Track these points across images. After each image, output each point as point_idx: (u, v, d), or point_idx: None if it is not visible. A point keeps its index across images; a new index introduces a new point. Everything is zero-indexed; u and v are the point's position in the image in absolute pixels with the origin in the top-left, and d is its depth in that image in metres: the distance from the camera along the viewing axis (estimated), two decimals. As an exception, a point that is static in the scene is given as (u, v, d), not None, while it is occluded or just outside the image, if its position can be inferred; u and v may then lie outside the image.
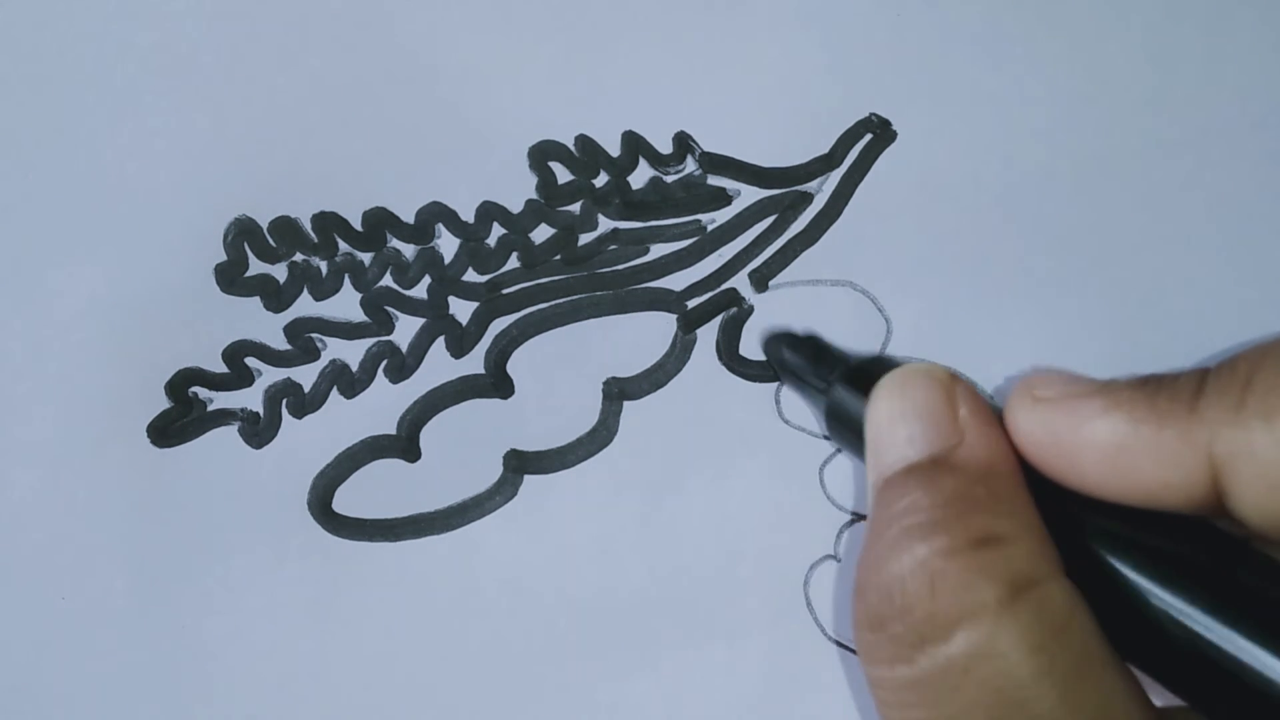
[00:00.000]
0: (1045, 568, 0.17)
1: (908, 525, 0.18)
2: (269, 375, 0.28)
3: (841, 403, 0.23)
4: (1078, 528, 0.18)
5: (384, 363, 0.29)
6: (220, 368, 0.28)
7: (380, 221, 0.28)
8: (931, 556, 0.17)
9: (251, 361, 0.28)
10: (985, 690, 0.16)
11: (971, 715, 0.16)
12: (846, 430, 0.23)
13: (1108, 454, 0.17)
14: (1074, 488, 0.18)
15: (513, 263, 0.29)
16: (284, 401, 0.28)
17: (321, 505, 0.28)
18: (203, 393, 0.28)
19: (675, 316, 0.29)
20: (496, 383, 0.29)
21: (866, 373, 0.22)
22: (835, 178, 0.30)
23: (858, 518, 0.29)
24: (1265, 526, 0.17)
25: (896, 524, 0.18)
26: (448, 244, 0.29)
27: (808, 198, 0.30)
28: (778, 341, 0.27)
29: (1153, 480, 0.17)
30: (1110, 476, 0.17)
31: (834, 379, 0.24)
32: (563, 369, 0.29)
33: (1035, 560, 0.17)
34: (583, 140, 0.29)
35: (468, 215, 0.29)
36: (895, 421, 0.20)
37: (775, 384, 0.29)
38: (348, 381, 0.28)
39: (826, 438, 0.28)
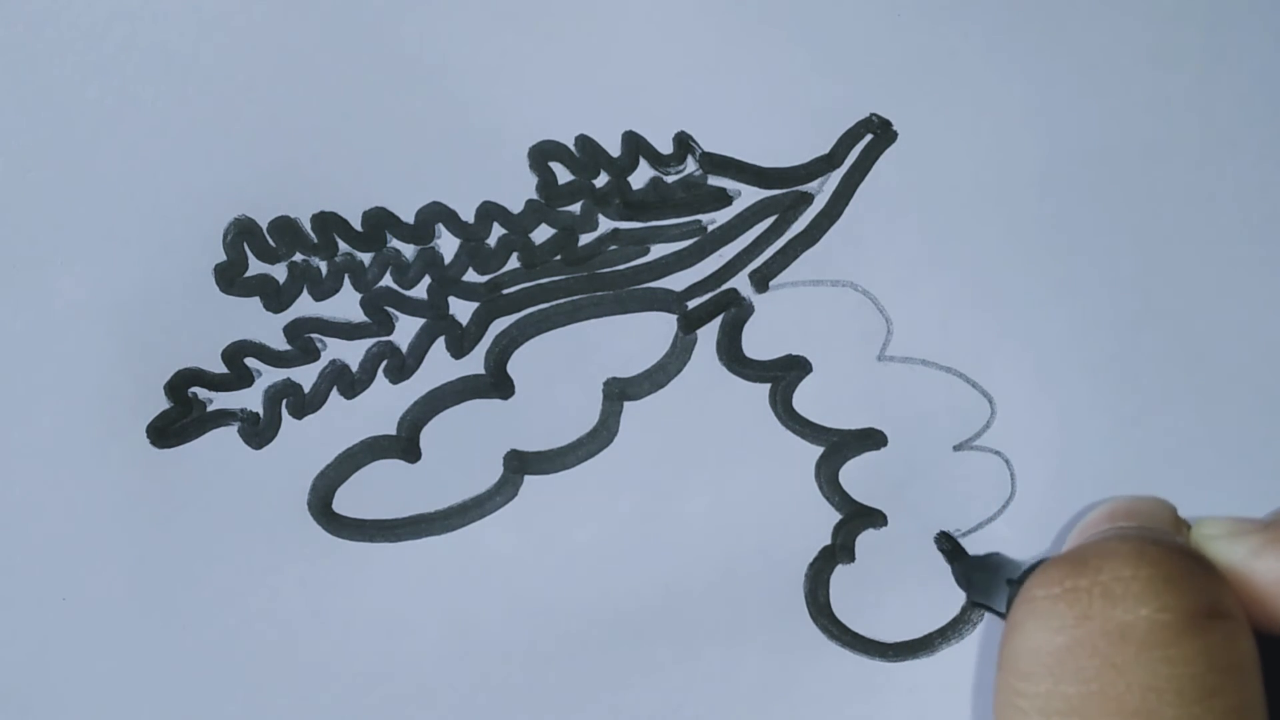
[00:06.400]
0: (1244, 617, 0.16)
1: (1122, 526, 0.17)
2: (269, 375, 0.28)
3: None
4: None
5: (384, 363, 0.29)
6: (220, 368, 0.28)
7: (380, 221, 0.28)
8: (1146, 543, 0.16)
9: (251, 362, 0.28)
10: (1147, 675, 0.15)
11: (1117, 695, 0.15)
12: None
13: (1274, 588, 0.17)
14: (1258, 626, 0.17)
15: (513, 263, 0.29)
16: (284, 402, 0.28)
17: (322, 506, 0.28)
18: (202, 393, 0.28)
19: (675, 317, 0.29)
20: (496, 383, 0.29)
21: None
22: (835, 178, 0.30)
23: (858, 514, 0.29)
24: None
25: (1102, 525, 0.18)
26: (448, 244, 0.29)
27: (808, 198, 0.30)
28: (964, 569, 0.28)
29: None
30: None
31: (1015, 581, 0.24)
32: (563, 369, 0.29)
33: (1238, 606, 0.17)
34: (583, 140, 0.29)
35: (468, 215, 0.29)
36: (1115, 512, 0.19)
37: (771, 384, 0.29)
38: (348, 382, 0.28)
39: None
